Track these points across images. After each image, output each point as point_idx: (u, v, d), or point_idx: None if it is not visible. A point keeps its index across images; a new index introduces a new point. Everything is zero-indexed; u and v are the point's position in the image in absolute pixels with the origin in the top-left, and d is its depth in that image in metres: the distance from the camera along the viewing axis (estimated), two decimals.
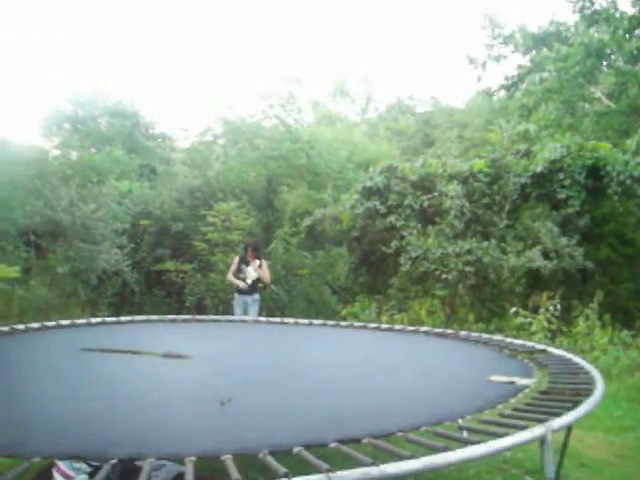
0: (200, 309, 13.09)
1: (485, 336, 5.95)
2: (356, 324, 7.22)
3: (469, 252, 10.29)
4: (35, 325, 6.09)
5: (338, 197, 13.50)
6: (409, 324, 10.93)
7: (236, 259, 9.64)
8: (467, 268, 10.27)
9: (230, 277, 9.48)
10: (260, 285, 9.70)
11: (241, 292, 9.35)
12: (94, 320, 6.50)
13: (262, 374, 4.30)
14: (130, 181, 16.61)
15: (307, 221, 13.06)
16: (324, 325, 7.01)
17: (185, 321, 7.05)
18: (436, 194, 11.23)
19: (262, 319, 8.04)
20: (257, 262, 9.36)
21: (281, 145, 14.10)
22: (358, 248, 12.30)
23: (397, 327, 6.82)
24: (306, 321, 7.17)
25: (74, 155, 20.36)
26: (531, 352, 5.07)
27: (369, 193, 11.83)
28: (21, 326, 6.04)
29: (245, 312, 9.25)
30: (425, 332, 6.34)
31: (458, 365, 4.87)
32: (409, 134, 26.87)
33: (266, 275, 9.50)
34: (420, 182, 11.68)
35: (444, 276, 10.42)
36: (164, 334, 6.10)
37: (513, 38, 19.90)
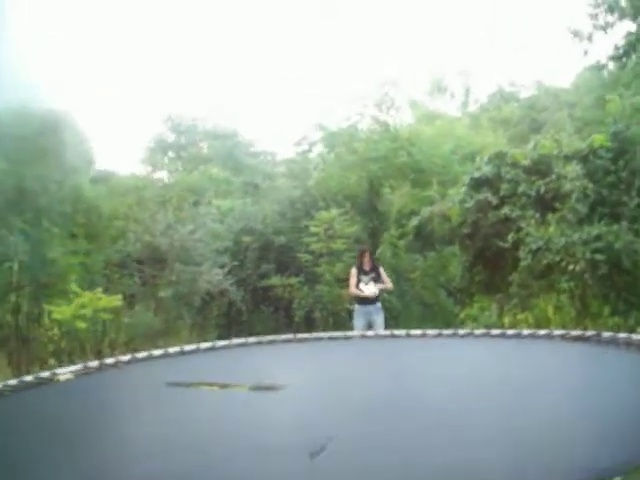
0: (309, 323, 12.59)
1: (637, 337, 4.95)
2: (477, 332, 6.32)
3: (598, 238, 9.18)
4: (125, 358, 5.65)
5: (445, 193, 12.63)
6: (535, 324, 9.95)
7: (353, 270, 8.90)
8: (597, 256, 9.16)
9: (354, 290, 8.70)
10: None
11: (363, 302, 8.67)
12: (187, 347, 6.00)
13: (369, 407, 3.55)
14: (232, 199, 16.40)
15: (414, 221, 12.26)
16: (440, 335, 6.18)
17: (285, 341, 6.44)
18: (553, 177, 10.19)
19: (369, 333, 7.27)
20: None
21: (380, 145, 13.43)
22: (471, 245, 11.38)
23: (526, 332, 5.88)
24: (419, 332, 6.38)
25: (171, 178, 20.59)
26: None
27: (478, 185, 10.91)
28: (111, 360, 5.62)
29: (369, 324, 8.56)
30: (561, 336, 5.41)
31: (617, 382, 3.85)
32: (514, 121, 25.44)
33: (388, 281, 8.80)
34: (534, 167, 10.65)
35: (570, 267, 9.36)
36: (260, 359, 5.51)
37: (618, 4, 18.31)
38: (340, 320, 11.50)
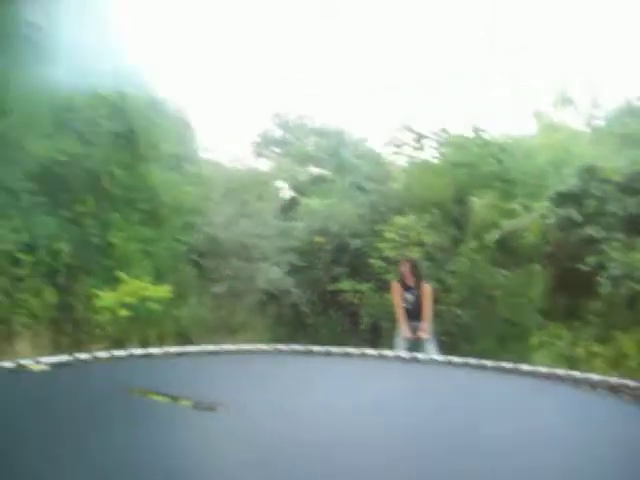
0: (375, 331, 12.03)
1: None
2: (559, 372, 5.18)
3: None
4: (104, 354, 5.32)
5: (531, 206, 11.67)
6: (611, 359, 8.92)
7: (396, 285, 8.04)
8: None
9: (400, 317, 7.84)
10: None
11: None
12: (172, 350, 5.61)
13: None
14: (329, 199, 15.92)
15: (495, 235, 11.38)
16: (515, 370, 5.10)
17: (295, 353, 5.88)
18: None
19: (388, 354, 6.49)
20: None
21: (468, 151, 12.62)
22: (553, 265, 10.41)
23: (613, 381, 4.71)
24: (492, 363, 5.40)
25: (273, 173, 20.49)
26: None
27: (563, 200, 9.94)
28: (88, 355, 5.31)
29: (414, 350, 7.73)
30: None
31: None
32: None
33: (428, 309, 7.76)
34: (628, 184, 9.56)
35: None
36: (241, 371, 5.01)
37: None
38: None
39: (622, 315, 9.07)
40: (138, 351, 5.51)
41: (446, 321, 11.56)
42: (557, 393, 4.45)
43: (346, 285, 12.35)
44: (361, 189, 17.78)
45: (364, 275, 12.59)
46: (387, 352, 6.40)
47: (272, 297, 11.36)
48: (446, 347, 11.72)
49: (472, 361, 5.59)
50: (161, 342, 9.94)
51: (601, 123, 33.32)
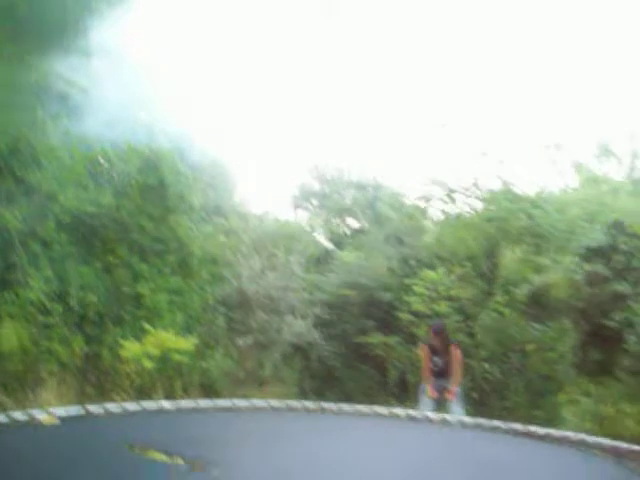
0: (403, 386, 11.88)
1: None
2: (571, 435, 4.99)
3: None
4: (116, 408, 5.39)
5: (562, 261, 11.53)
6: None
7: (425, 348, 8.23)
8: None
9: (427, 379, 8.07)
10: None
11: (434, 386, 7.96)
12: (185, 405, 5.65)
13: None
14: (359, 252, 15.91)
15: (525, 289, 11.24)
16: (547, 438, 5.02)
17: (306, 411, 5.86)
18: None
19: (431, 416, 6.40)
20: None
21: (498, 206, 12.58)
22: (582, 320, 10.21)
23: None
24: (504, 425, 5.32)
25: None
26: None
27: (591, 255, 9.80)
28: (100, 409, 5.39)
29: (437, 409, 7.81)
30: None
31: None
32: None
33: (457, 372, 8.01)
34: None
35: None
36: (244, 430, 5.01)
37: None
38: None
39: None
40: (151, 405, 5.56)
41: (476, 377, 11.40)
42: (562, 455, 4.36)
43: (374, 338, 12.29)
44: (393, 243, 17.80)
45: (393, 328, 12.52)
46: (399, 411, 6.35)
47: (300, 350, 11.34)
48: (476, 403, 11.55)
49: (484, 422, 5.53)
50: (187, 393, 9.99)
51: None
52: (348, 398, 11.33)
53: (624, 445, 4.47)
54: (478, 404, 11.50)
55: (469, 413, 10.12)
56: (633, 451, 4.19)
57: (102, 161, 10.41)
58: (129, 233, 10.29)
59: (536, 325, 11.83)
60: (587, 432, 8.51)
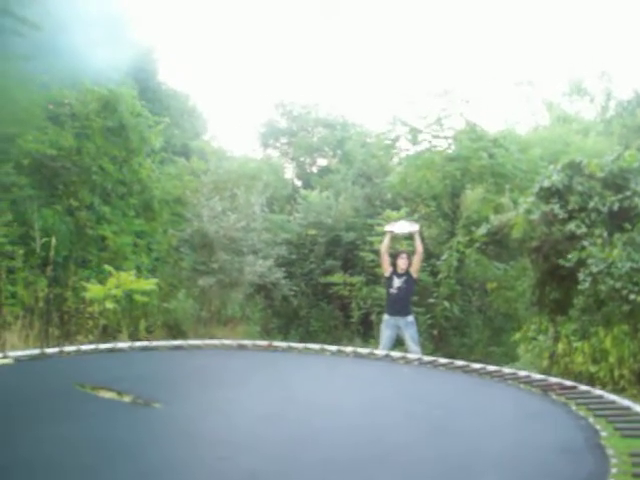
0: (367, 324, 12.16)
1: None
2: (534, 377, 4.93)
3: None
4: (72, 348, 5.51)
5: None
6: (591, 355, 8.99)
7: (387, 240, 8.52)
8: None
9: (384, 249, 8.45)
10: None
11: (393, 312, 8.17)
12: (138, 344, 5.81)
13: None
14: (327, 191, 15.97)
15: (483, 229, 11.42)
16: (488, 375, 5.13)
17: (255, 348, 6.01)
18: (628, 194, 9.10)
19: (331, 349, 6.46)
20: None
21: (460, 145, 12.66)
22: (539, 260, 10.43)
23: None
24: (450, 362, 5.50)
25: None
26: None
27: (547, 195, 9.94)
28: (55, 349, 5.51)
29: (397, 337, 8.07)
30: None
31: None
32: None
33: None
34: (612, 180, 9.56)
35: (632, 297, 8.31)
36: (194, 368, 5.17)
37: None
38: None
39: (602, 311, 9.11)
40: (105, 346, 5.68)
41: (437, 315, 11.71)
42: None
43: (337, 278, 12.50)
44: (362, 182, 17.92)
45: (357, 268, 12.74)
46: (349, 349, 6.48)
47: (264, 290, 11.51)
48: (436, 340, 11.89)
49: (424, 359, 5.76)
50: (152, 334, 10.15)
51: (613, 114, 33.10)
52: (312, 337, 11.60)
53: (553, 379, 4.69)
54: (438, 341, 11.84)
55: (428, 350, 10.45)
56: (561, 385, 4.41)
57: (61, 103, 10.26)
58: (91, 175, 10.24)
59: (497, 264, 12.12)
60: (543, 369, 8.89)
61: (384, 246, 8.48)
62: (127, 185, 10.72)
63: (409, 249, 9.56)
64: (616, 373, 8.71)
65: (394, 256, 8.57)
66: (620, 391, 7.96)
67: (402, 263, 8.24)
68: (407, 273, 8.21)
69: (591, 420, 3.53)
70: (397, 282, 8.14)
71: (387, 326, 8.17)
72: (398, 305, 8.10)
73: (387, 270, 8.33)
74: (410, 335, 8.04)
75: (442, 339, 11.79)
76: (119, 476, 2.65)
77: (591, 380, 8.61)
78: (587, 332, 9.22)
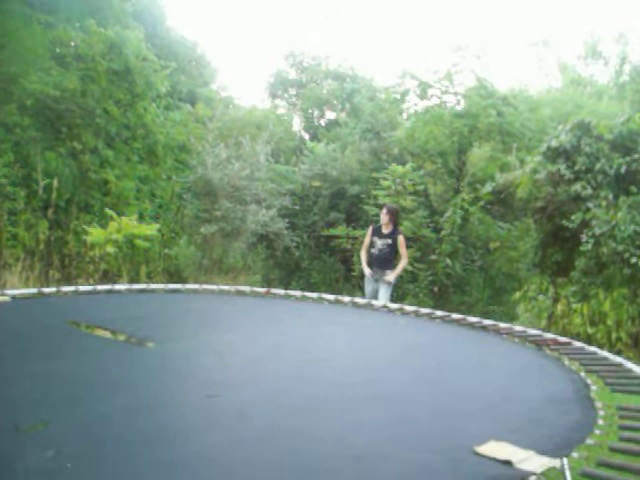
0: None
1: None
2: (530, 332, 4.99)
3: None
4: (70, 288, 5.51)
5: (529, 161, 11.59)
6: (589, 317, 8.99)
7: (370, 229, 8.32)
8: None
9: (362, 255, 8.25)
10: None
11: (372, 269, 8.10)
12: (136, 287, 5.81)
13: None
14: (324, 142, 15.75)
15: (488, 187, 11.34)
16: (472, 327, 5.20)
17: (254, 294, 6.03)
18: (636, 157, 9.00)
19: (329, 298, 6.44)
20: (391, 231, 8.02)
21: (470, 101, 12.50)
22: (544, 220, 10.37)
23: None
24: (443, 314, 5.54)
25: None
26: None
27: (554, 155, 9.84)
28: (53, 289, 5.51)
29: (375, 294, 8.02)
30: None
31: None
32: None
33: (404, 256, 8.09)
34: (620, 142, 9.45)
35: (633, 260, 8.29)
36: (189, 311, 5.18)
37: None
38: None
39: (603, 274, 9.09)
40: (102, 287, 5.69)
41: (438, 271, 11.69)
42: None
43: (339, 230, 12.45)
44: (370, 136, 17.75)
45: (360, 222, 12.68)
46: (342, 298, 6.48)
47: (266, 240, 11.47)
48: (437, 297, 11.89)
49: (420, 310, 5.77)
50: (152, 280, 10.15)
51: (627, 79, 32.58)
52: (313, 290, 11.61)
53: (549, 335, 4.70)
54: (438, 298, 11.84)
55: (428, 307, 10.46)
56: (555, 341, 4.41)
57: (66, 44, 10.12)
58: (95, 119, 10.14)
59: (501, 224, 12.07)
60: (541, 328, 8.90)
61: (365, 245, 8.29)
62: (131, 129, 10.62)
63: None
64: (613, 336, 8.73)
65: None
66: (616, 354, 7.99)
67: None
68: (391, 236, 8.03)
69: (582, 375, 3.54)
70: (379, 243, 8.03)
71: (367, 282, 8.17)
72: (376, 265, 8.02)
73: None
74: (383, 294, 7.95)
75: (442, 296, 11.78)
76: (106, 407, 2.66)
77: (588, 342, 8.61)
78: (587, 294, 9.21)
